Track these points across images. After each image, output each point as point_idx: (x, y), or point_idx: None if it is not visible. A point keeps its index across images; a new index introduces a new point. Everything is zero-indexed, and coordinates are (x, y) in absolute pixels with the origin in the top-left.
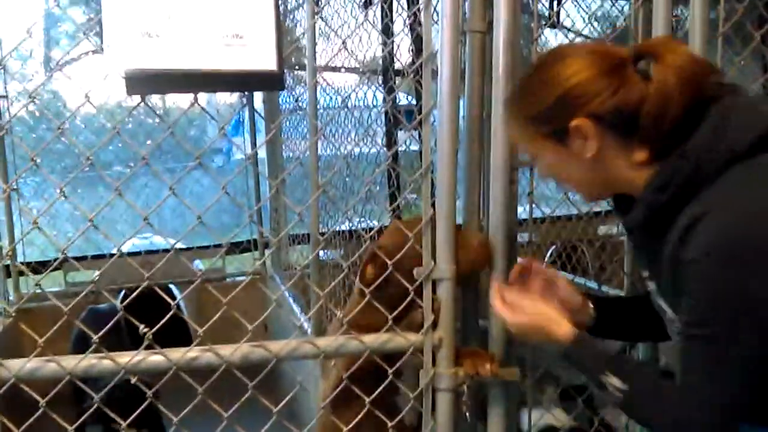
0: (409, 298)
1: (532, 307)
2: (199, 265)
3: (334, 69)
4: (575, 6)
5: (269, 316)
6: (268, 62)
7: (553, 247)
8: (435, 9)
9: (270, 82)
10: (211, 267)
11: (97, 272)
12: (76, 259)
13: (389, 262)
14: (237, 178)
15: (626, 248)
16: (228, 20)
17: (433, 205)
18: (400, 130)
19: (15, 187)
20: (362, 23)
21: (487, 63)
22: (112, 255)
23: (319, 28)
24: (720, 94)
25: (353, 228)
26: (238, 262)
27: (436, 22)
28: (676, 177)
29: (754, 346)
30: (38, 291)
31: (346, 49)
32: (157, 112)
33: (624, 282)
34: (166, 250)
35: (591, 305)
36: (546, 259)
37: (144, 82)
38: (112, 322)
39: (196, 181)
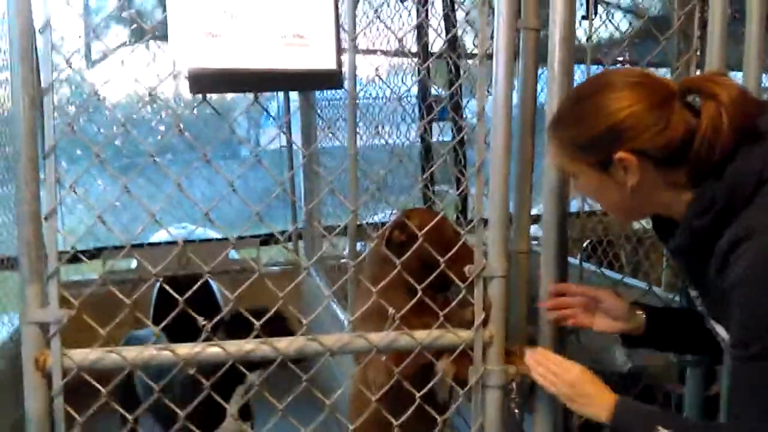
0: (461, 296)
1: (568, 375)
2: (234, 255)
3: (371, 52)
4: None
5: (304, 308)
6: (328, 61)
7: (588, 241)
8: (490, 6)
9: (330, 81)
10: (246, 257)
11: (135, 262)
12: (115, 248)
13: (418, 233)
14: (270, 168)
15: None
16: (289, 20)
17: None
18: (437, 120)
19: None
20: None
21: (541, 56)
22: (150, 244)
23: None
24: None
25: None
26: (271, 252)
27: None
28: (716, 201)
29: None
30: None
31: (388, 31)
32: (208, 105)
33: (662, 278)
34: (203, 240)
35: (641, 313)
36: (580, 253)
37: (207, 81)
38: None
39: (230, 172)
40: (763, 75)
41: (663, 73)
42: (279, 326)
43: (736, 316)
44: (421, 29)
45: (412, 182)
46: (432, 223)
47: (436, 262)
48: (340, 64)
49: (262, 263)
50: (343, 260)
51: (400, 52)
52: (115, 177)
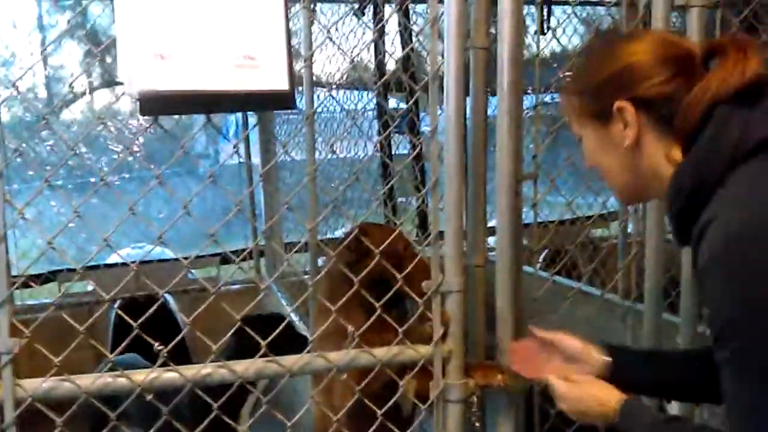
0: (419, 311)
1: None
2: (194, 274)
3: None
4: (564, 13)
5: (266, 326)
6: (279, 82)
7: (546, 251)
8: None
9: (282, 101)
10: (205, 276)
11: (92, 283)
12: (70, 270)
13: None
14: (229, 184)
15: (619, 251)
16: (239, 41)
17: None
18: (396, 133)
19: (8, 198)
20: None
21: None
22: (106, 265)
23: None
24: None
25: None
26: (231, 270)
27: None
28: (684, 182)
29: None
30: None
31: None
32: (159, 127)
33: (618, 285)
34: (161, 260)
35: (600, 356)
36: (539, 263)
37: (157, 103)
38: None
39: (188, 189)
40: None
41: None
42: (286, 335)
43: (708, 305)
44: (377, 46)
45: (371, 196)
46: (383, 239)
47: (389, 278)
48: (292, 84)
49: (222, 282)
50: (305, 277)
51: (356, 68)
52: (66, 199)
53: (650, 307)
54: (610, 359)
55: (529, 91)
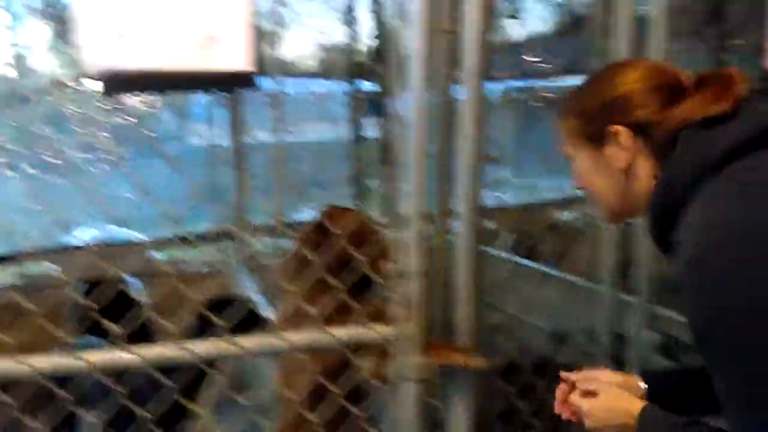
0: (381, 293)
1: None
2: (157, 256)
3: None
4: None
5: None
6: (241, 62)
7: (513, 235)
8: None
9: (243, 81)
10: (170, 259)
11: (53, 265)
12: (32, 253)
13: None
14: (198, 166)
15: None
16: (201, 21)
17: None
18: (364, 117)
19: None
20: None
21: (458, 59)
22: (70, 248)
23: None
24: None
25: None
26: (197, 253)
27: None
28: (655, 200)
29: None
30: None
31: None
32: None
33: (583, 269)
34: (125, 243)
35: (639, 382)
36: (507, 247)
37: (119, 82)
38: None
39: (155, 170)
40: None
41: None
42: (248, 317)
43: (689, 322)
44: (350, 25)
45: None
46: (347, 221)
47: (351, 261)
48: (254, 64)
49: (187, 264)
50: (271, 260)
51: (326, 49)
52: (29, 180)
53: (608, 288)
54: (645, 386)
55: (497, 76)
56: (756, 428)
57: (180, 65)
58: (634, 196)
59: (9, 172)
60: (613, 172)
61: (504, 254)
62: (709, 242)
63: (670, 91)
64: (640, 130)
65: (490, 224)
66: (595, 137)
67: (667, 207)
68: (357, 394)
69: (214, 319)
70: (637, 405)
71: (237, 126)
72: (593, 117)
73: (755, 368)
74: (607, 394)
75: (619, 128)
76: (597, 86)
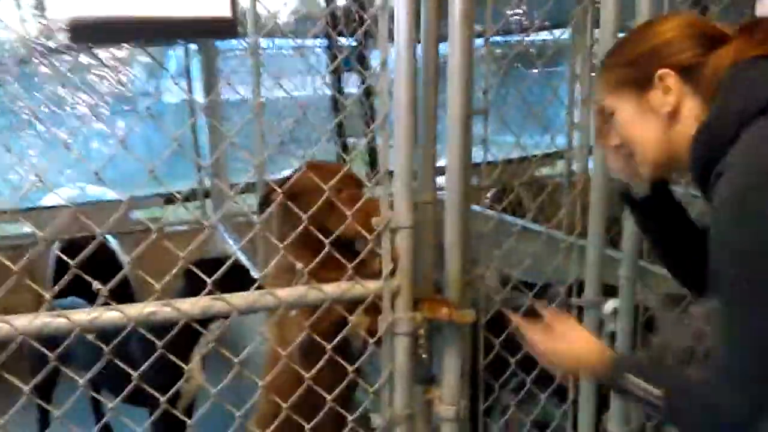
0: (369, 248)
1: (570, 332)
2: (136, 215)
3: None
4: None
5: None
6: (220, 8)
7: (493, 190)
8: None
9: (223, 30)
10: (150, 217)
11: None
12: (4, 211)
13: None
14: (173, 123)
15: (564, 189)
16: None
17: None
18: (346, 71)
19: None
20: None
21: (443, 6)
22: (45, 207)
23: None
24: None
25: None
26: (177, 211)
27: None
28: (701, 139)
29: None
30: None
31: None
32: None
33: (563, 223)
34: (101, 201)
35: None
36: (487, 201)
37: (88, 31)
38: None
39: (129, 126)
40: None
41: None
42: (239, 278)
43: (713, 254)
44: None
45: (321, 135)
46: (330, 176)
47: (324, 219)
48: (235, 10)
49: (166, 222)
50: (252, 216)
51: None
52: None
53: (594, 242)
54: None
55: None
56: (736, 362)
57: (154, 12)
58: (678, 142)
59: None
60: (658, 117)
61: (488, 211)
62: (748, 183)
63: (712, 37)
64: (685, 72)
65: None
66: (641, 83)
67: (712, 148)
68: (347, 350)
69: (203, 276)
70: (601, 357)
71: (212, 81)
72: (638, 63)
73: (759, 309)
74: (575, 340)
75: (666, 71)
76: (640, 36)
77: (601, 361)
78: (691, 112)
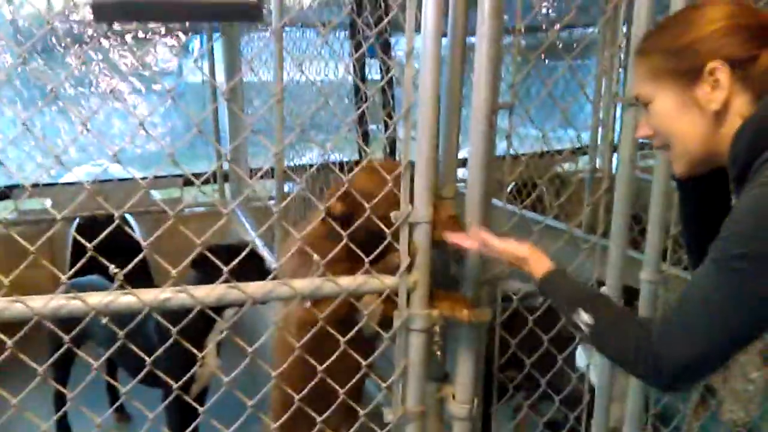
0: (385, 243)
1: (507, 246)
2: (155, 195)
3: None
4: None
5: None
6: None
7: (513, 184)
8: None
9: (248, 13)
10: (168, 198)
11: (49, 200)
12: (25, 187)
13: (366, 205)
14: (193, 103)
15: (587, 186)
16: None
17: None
18: (370, 58)
19: None
20: None
21: (472, 1)
22: (65, 183)
23: None
24: None
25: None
26: (195, 193)
27: None
28: (745, 133)
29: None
30: None
31: None
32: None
33: (582, 222)
34: (122, 179)
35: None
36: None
37: (111, 10)
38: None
39: (152, 105)
40: None
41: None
42: (254, 265)
43: (735, 216)
44: None
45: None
46: (379, 187)
47: (381, 231)
48: None
49: (185, 204)
50: (270, 202)
51: None
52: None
53: (616, 242)
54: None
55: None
56: (699, 323)
57: None
58: (721, 139)
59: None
60: (703, 113)
61: (509, 206)
62: None
63: (759, 29)
64: (738, 67)
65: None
66: (687, 74)
67: (756, 146)
68: (359, 342)
69: (219, 263)
70: (541, 266)
71: (233, 61)
72: (685, 52)
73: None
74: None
75: (718, 64)
76: (688, 21)
77: (536, 270)
78: (739, 109)
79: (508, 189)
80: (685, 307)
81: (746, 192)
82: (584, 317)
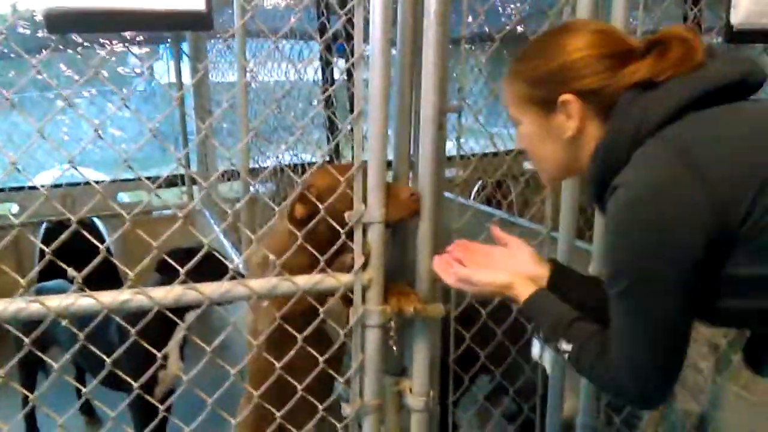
0: (340, 242)
1: (483, 277)
2: (123, 198)
3: None
4: None
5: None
6: (195, 2)
7: (480, 182)
8: None
9: (198, 23)
10: (136, 201)
11: (16, 205)
12: None
13: (320, 205)
14: (161, 104)
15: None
16: None
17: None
18: (339, 57)
19: None
20: None
21: (419, 8)
22: (31, 187)
23: None
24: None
25: (284, 163)
26: (164, 196)
27: None
28: (597, 159)
29: (667, 309)
30: None
31: None
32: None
33: (544, 218)
34: (88, 183)
35: (545, 266)
36: (472, 194)
37: (63, 21)
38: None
39: (118, 109)
40: None
41: None
42: (215, 267)
43: (606, 257)
44: None
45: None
46: (336, 186)
47: (343, 228)
48: (209, 4)
49: (143, 207)
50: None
51: None
52: None
53: (564, 235)
54: (548, 272)
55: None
56: (627, 350)
57: (128, 4)
58: (578, 161)
59: None
60: (561, 140)
61: (469, 202)
62: (634, 197)
63: (619, 56)
64: (590, 96)
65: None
66: (544, 104)
67: (606, 169)
68: (324, 340)
69: (176, 266)
70: (525, 290)
71: (198, 63)
72: (542, 84)
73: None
74: (502, 271)
75: (569, 97)
76: (545, 52)
77: (520, 295)
78: (595, 133)
79: (475, 187)
80: (616, 342)
81: (605, 223)
82: (564, 346)
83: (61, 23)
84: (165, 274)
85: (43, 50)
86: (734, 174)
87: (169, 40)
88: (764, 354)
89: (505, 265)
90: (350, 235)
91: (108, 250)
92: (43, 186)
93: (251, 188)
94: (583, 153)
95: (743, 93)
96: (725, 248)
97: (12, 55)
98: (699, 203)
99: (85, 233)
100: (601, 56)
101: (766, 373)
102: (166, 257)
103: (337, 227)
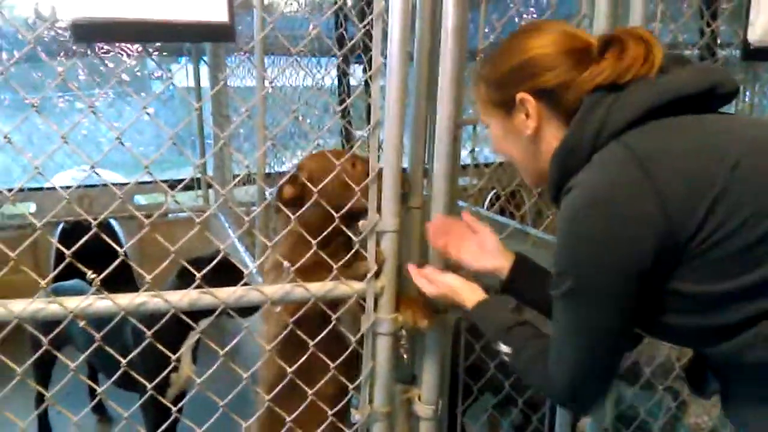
0: (333, 226)
1: (444, 279)
2: (139, 200)
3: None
4: None
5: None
6: (219, 14)
7: (493, 192)
8: None
9: (221, 34)
10: (152, 203)
11: (34, 205)
12: (10, 191)
13: (312, 187)
14: (180, 108)
15: None
16: None
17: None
18: (354, 63)
19: None
20: None
21: (437, 21)
22: (50, 188)
23: None
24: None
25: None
26: (179, 198)
27: None
28: (556, 161)
29: (608, 316)
30: None
31: None
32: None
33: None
34: (106, 184)
35: (509, 259)
36: (485, 203)
37: (89, 31)
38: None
39: (140, 115)
40: None
41: None
42: (228, 274)
43: (555, 256)
44: None
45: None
46: (328, 170)
47: (337, 211)
48: (232, 15)
49: (162, 211)
50: (252, 208)
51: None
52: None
53: None
54: (510, 265)
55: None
56: (565, 352)
57: (153, 14)
58: (540, 162)
59: None
60: (523, 138)
61: (482, 210)
62: (582, 202)
63: (580, 55)
64: (547, 95)
65: (467, 180)
66: (505, 104)
67: (566, 170)
68: (337, 346)
69: (194, 272)
70: (470, 298)
71: (217, 68)
72: (501, 84)
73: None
74: (446, 286)
75: (525, 95)
76: (506, 52)
77: (470, 300)
78: (553, 133)
79: (488, 197)
80: (554, 343)
81: (558, 230)
82: (503, 348)
83: (88, 34)
84: (186, 282)
85: (64, 53)
86: (688, 189)
87: (188, 52)
88: (705, 374)
89: (473, 254)
90: (350, 227)
91: (124, 252)
92: (62, 187)
93: (267, 194)
94: (546, 152)
95: (713, 103)
96: (672, 262)
97: (29, 58)
98: (651, 214)
99: (102, 235)
100: (558, 53)
101: (708, 395)
102: (187, 265)
103: (332, 211)
